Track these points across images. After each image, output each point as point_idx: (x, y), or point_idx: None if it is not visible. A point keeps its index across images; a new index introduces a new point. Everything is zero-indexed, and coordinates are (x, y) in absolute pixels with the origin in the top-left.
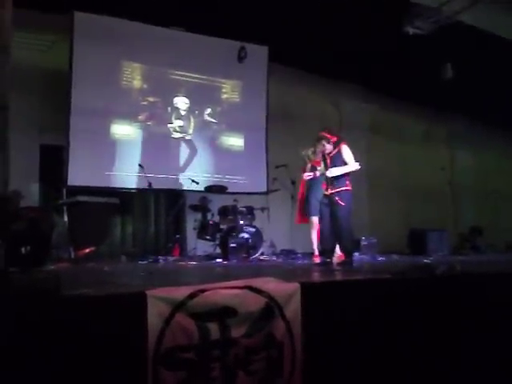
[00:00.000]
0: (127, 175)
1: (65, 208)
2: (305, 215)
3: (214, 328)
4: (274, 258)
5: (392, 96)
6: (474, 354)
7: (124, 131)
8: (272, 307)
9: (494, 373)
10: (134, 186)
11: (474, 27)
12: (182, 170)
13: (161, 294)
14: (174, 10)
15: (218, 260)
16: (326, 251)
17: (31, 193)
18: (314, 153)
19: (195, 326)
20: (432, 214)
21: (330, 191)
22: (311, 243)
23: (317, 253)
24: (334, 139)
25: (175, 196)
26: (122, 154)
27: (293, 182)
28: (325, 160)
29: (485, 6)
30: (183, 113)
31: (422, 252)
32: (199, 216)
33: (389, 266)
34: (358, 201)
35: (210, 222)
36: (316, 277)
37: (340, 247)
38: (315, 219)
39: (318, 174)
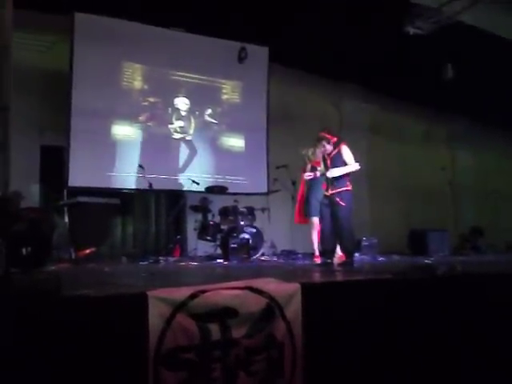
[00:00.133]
0: (128, 176)
1: (65, 209)
2: (304, 215)
3: (214, 328)
4: (275, 259)
5: (392, 96)
6: (475, 355)
7: (124, 132)
8: (273, 308)
9: (495, 373)
10: (134, 187)
11: (474, 27)
12: (183, 170)
13: (162, 294)
14: (174, 10)
15: (219, 260)
16: (327, 252)
17: (32, 194)
18: (314, 153)
19: (196, 326)
20: (432, 215)
21: (330, 192)
22: (312, 244)
23: (317, 253)
24: (334, 140)
25: (176, 196)
26: (122, 154)
27: (293, 183)
28: (325, 161)
29: (485, 6)
30: (184, 113)
31: (422, 252)
32: (200, 216)
33: (389, 267)
34: (358, 201)
35: (211, 223)
36: (317, 277)
37: (341, 248)
38: (316, 220)
39: (318, 174)
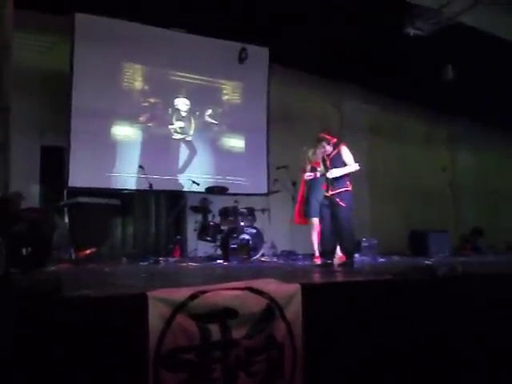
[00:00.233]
0: (128, 176)
1: (65, 209)
2: (304, 216)
3: (214, 329)
4: (275, 259)
5: (392, 97)
6: (475, 355)
7: (125, 132)
8: (273, 308)
9: (495, 373)
10: (134, 187)
11: (474, 28)
12: (183, 171)
13: (162, 295)
14: (174, 11)
15: (219, 261)
16: (327, 252)
17: (32, 194)
18: (315, 154)
19: (196, 327)
20: (433, 215)
21: (330, 192)
22: (312, 244)
23: (317, 254)
24: (334, 141)
25: (176, 197)
26: (122, 155)
27: (293, 184)
28: (324, 162)
29: (485, 8)
30: (184, 114)
31: (422, 253)
32: (200, 217)
33: (390, 267)
34: (358, 202)
35: (211, 223)
36: (317, 278)
37: (341, 248)
38: (316, 220)
39: (318, 174)
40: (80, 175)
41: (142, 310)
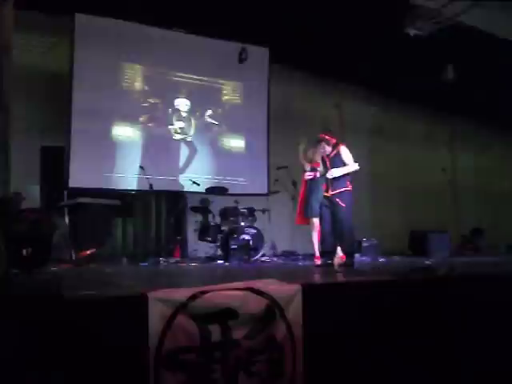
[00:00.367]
0: (128, 177)
1: (66, 210)
2: (304, 216)
3: (215, 329)
4: (275, 260)
5: (393, 97)
6: (476, 355)
7: (125, 133)
8: (273, 309)
9: (495, 373)
10: (134, 188)
11: (474, 28)
12: (183, 171)
13: (162, 295)
14: (174, 11)
15: (219, 261)
16: (327, 253)
17: (32, 194)
18: (316, 153)
19: (196, 327)
20: (433, 216)
21: (330, 192)
22: (312, 245)
23: (318, 254)
24: (334, 141)
25: (176, 197)
26: (122, 155)
27: (294, 184)
28: (324, 162)
29: (485, 8)
30: (184, 114)
31: (423, 253)
32: (200, 217)
33: (390, 268)
34: (359, 202)
35: (211, 224)
36: (317, 278)
37: (341, 248)
38: (316, 220)
39: (318, 174)
40: (80, 175)
41: (142, 311)
